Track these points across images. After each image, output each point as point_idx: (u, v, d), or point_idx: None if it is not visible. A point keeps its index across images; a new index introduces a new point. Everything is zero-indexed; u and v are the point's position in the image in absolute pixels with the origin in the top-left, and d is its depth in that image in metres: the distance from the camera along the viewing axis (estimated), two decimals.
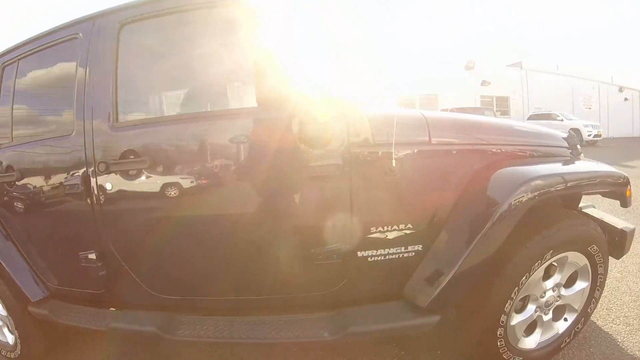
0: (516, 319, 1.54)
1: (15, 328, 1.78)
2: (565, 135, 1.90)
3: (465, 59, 19.36)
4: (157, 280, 1.54)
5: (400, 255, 1.41)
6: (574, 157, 1.82)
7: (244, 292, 1.48)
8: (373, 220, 1.38)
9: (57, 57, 1.64)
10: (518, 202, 1.32)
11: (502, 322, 1.44)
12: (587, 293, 1.66)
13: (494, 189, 1.40)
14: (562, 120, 15.05)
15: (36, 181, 1.62)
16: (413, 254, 1.43)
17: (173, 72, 1.64)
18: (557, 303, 1.63)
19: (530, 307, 1.58)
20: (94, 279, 1.57)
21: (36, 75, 1.74)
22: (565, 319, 1.68)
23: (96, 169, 1.42)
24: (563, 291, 1.63)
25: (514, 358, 1.54)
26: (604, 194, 1.79)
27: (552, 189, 1.40)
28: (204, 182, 1.38)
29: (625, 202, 1.72)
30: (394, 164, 1.32)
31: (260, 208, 1.40)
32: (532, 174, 1.43)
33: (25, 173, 1.63)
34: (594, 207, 2.00)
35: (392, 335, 1.76)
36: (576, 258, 1.58)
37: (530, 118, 16.34)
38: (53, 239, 1.73)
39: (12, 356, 1.85)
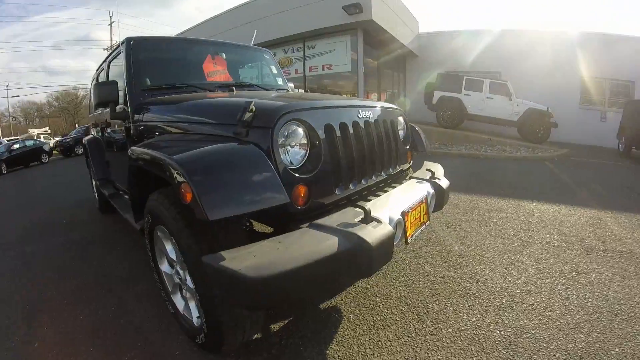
0: (163, 267, 1.92)
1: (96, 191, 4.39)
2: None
3: None
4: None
5: None
6: (235, 137, 1.51)
7: None
8: None
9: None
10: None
11: (150, 255, 2.00)
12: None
13: None
14: None
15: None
16: None
17: None
18: (186, 283, 1.70)
19: (172, 268, 1.84)
20: None
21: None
22: (198, 317, 1.68)
23: None
24: (184, 275, 1.68)
25: (167, 302, 1.93)
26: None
27: None
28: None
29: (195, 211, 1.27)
30: None
31: None
32: None
33: None
34: None
35: None
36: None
37: None
38: None
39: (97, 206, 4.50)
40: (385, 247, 1.35)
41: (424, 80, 14.50)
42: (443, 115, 12.62)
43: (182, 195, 1.28)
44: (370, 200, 1.78)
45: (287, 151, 1.49)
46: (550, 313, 2.09)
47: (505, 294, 2.31)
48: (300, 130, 1.54)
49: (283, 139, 1.48)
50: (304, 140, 1.55)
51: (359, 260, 1.28)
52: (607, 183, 6.38)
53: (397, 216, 1.60)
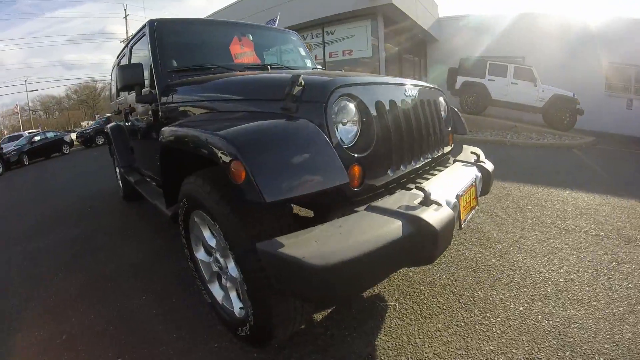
0: (199, 254, 1.83)
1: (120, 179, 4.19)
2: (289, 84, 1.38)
3: None
4: None
5: None
6: (284, 113, 1.39)
7: None
8: None
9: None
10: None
11: (184, 242, 1.89)
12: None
13: None
14: None
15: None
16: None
17: None
18: (227, 272, 1.60)
19: (210, 255, 1.73)
20: None
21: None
22: (242, 308, 1.59)
23: None
24: (225, 263, 1.59)
25: (203, 291, 1.85)
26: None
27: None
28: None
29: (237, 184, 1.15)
30: None
31: None
32: None
33: None
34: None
35: None
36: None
37: None
38: None
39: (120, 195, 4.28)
40: (448, 232, 1.24)
41: (445, 65, 14.10)
42: (467, 101, 12.27)
43: (232, 175, 1.14)
44: (420, 183, 1.67)
45: (338, 128, 1.37)
46: (595, 303, 1.99)
47: (549, 282, 2.21)
48: (352, 106, 1.42)
49: (334, 115, 1.35)
50: (356, 117, 1.43)
51: (423, 246, 1.17)
52: (637, 172, 6.13)
53: (453, 199, 1.49)
